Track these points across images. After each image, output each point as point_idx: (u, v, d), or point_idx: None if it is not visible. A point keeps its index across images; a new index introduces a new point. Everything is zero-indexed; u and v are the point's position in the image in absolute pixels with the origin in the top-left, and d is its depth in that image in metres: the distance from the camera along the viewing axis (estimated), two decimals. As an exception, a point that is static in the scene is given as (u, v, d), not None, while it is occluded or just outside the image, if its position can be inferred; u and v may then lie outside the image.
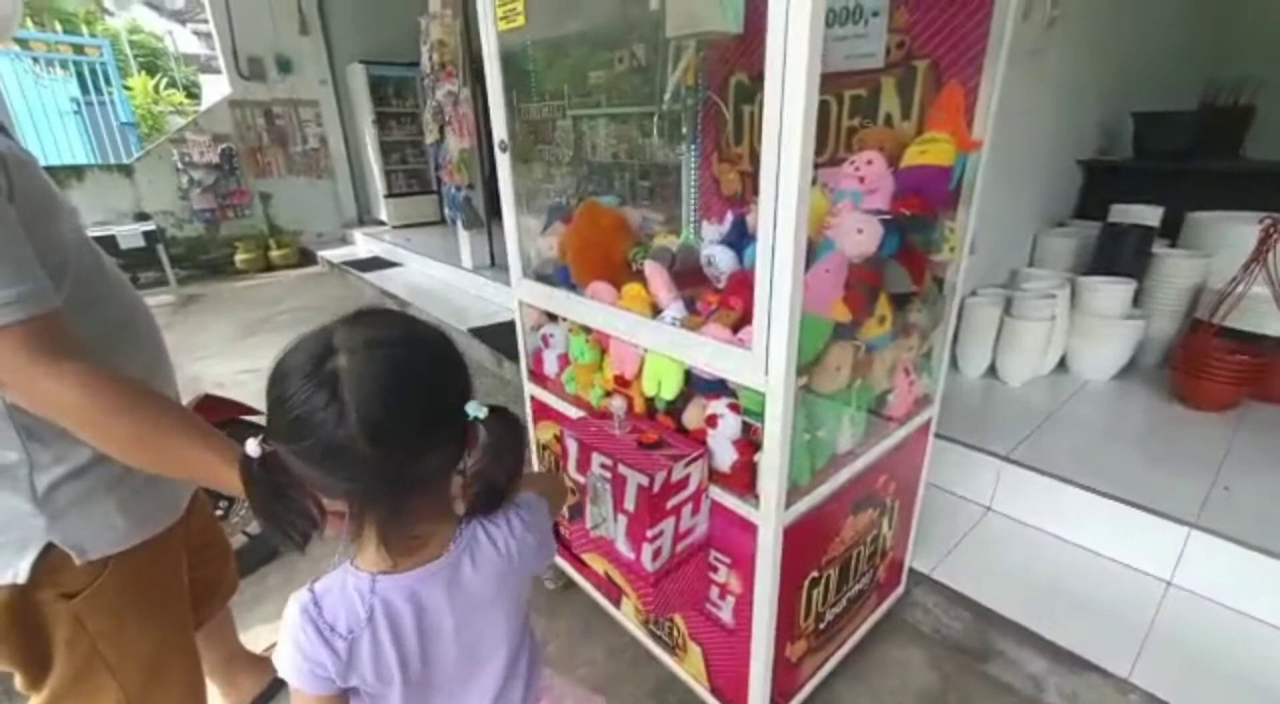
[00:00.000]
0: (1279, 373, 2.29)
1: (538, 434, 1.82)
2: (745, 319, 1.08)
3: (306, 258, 7.42)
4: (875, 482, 1.43)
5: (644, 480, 1.12)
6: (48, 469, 0.86)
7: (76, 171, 6.18)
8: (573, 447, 1.30)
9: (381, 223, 7.75)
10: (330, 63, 7.37)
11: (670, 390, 1.29)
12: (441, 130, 4.78)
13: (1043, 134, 2.75)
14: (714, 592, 1.34)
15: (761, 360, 1.02)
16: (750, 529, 1.17)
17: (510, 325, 1.77)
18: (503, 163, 1.53)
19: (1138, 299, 2.61)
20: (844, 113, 1.55)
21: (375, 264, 6.47)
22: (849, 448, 1.32)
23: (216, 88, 7.35)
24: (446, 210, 5.38)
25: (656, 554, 1.19)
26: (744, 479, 1.19)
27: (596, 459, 1.23)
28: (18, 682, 0.97)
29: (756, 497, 1.15)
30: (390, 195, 7.60)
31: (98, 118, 7.25)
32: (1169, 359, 2.53)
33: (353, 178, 7.96)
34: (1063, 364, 2.69)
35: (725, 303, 1.19)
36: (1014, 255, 2.96)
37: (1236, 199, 2.68)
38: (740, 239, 1.31)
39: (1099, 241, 2.81)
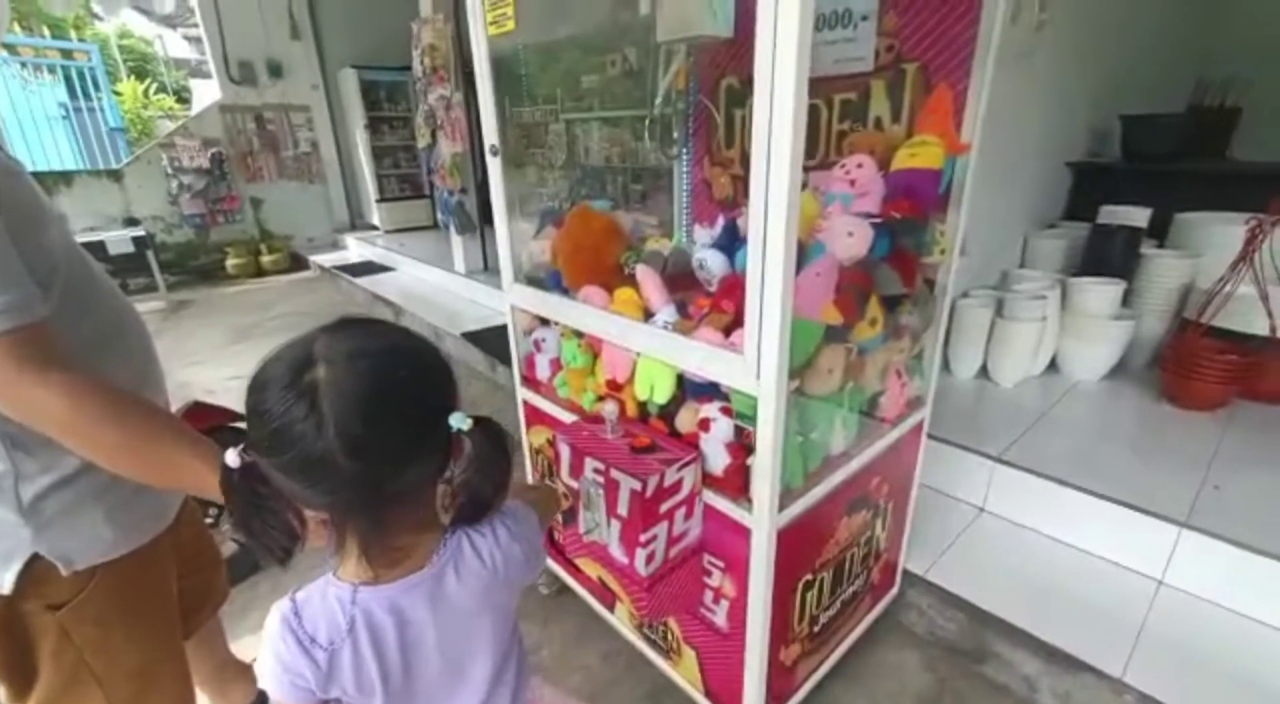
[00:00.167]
0: (1267, 372, 2.31)
1: (530, 439, 1.82)
2: (737, 322, 1.09)
3: (298, 263, 7.39)
4: (868, 484, 1.43)
5: (637, 485, 1.12)
6: (33, 479, 0.85)
7: (65, 177, 6.14)
8: (565, 451, 1.30)
9: (374, 227, 7.73)
10: (321, 67, 7.35)
11: (663, 394, 1.29)
12: (434, 134, 4.78)
13: (1032, 136, 2.76)
14: (708, 596, 1.34)
15: (753, 364, 1.02)
16: (744, 533, 1.17)
17: (504, 330, 1.77)
18: (494, 167, 1.53)
19: (1127, 300, 2.63)
20: (834, 116, 1.56)
21: (367, 269, 6.44)
22: (842, 450, 1.32)
23: (207, 92, 7.31)
24: (439, 215, 5.38)
25: (650, 559, 1.19)
26: (737, 483, 1.19)
27: (589, 464, 1.23)
28: (2, 693, 0.96)
29: (750, 500, 1.15)
30: (382, 200, 7.57)
31: (86, 123, 7.19)
32: (1158, 359, 2.55)
33: (344, 182, 7.93)
34: (1054, 365, 2.70)
35: (717, 306, 1.19)
36: (1005, 257, 2.98)
37: (1223, 200, 2.71)
38: (732, 242, 1.31)
39: (1088, 243, 2.83)
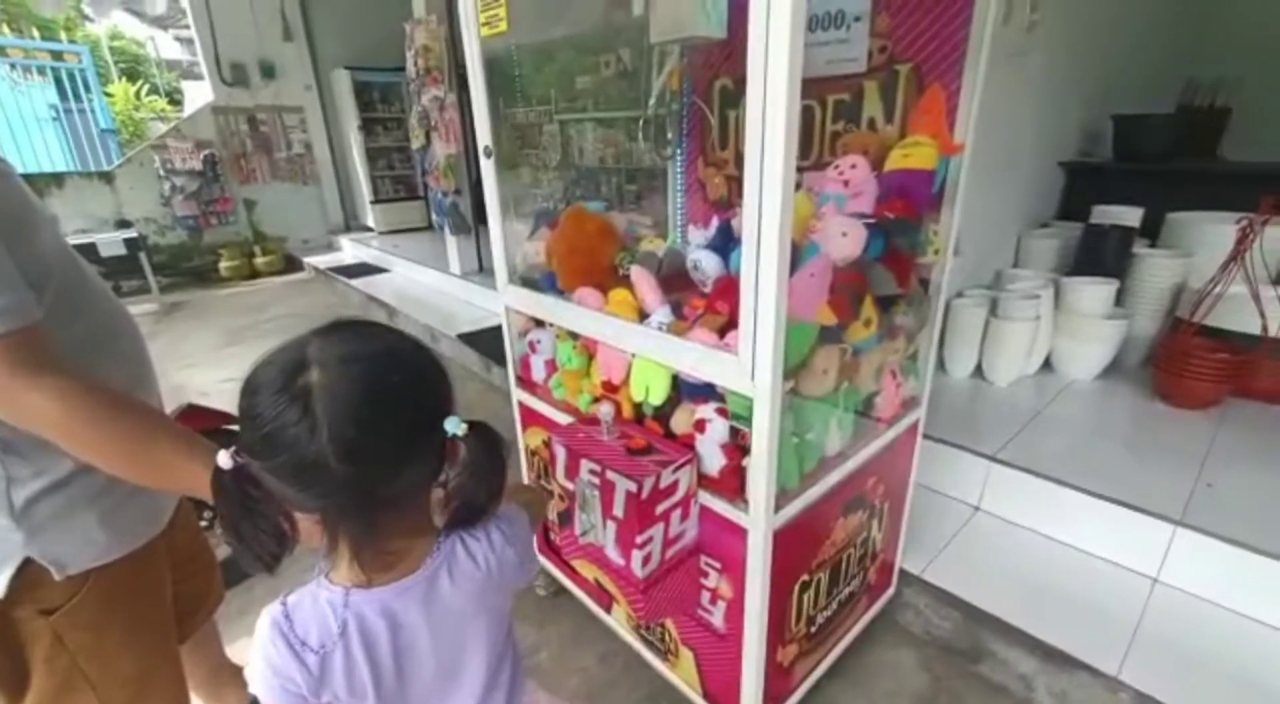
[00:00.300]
0: (1259, 370, 2.33)
1: (526, 440, 1.82)
2: (732, 323, 1.08)
3: (292, 265, 7.36)
4: (864, 484, 1.44)
5: (632, 486, 1.12)
6: (26, 483, 0.84)
7: (56, 179, 6.10)
8: (561, 453, 1.29)
9: (368, 228, 7.70)
10: (315, 68, 7.33)
11: (658, 395, 1.29)
12: (428, 135, 4.77)
13: (1024, 136, 2.78)
14: (705, 597, 1.34)
15: (748, 364, 1.02)
16: (740, 533, 1.17)
17: (499, 331, 1.76)
18: (487, 169, 1.53)
19: (1120, 299, 2.64)
20: (828, 117, 1.56)
21: (362, 270, 6.42)
22: (837, 450, 1.32)
23: (199, 94, 7.28)
24: (434, 216, 5.37)
25: (646, 560, 1.19)
26: (733, 483, 1.19)
27: (585, 465, 1.23)
28: (-5, 700, 0.95)
29: (746, 501, 1.15)
30: (377, 201, 7.55)
31: (77, 125, 7.15)
32: (1151, 358, 2.56)
33: (339, 183, 7.91)
34: (1048, 364, 2.71)
35: (711, 307, 1.19)
36: (998, 256, 2.99)
37: (1214, 199, 2.72)
38: (726, 243, 1.31)
39: (1081, 242, 2.84)
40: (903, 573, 1.82)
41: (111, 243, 5.41)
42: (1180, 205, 2.83)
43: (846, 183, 1.21)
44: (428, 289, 5.49)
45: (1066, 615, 1.63)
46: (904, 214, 1.24)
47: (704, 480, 1.23)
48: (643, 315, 1.30)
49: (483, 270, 5.15)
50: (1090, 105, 3.19)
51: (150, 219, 6.61)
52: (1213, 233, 2.49)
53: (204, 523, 1.94)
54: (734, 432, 1.18)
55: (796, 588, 1.32)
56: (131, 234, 5.69)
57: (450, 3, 4.31)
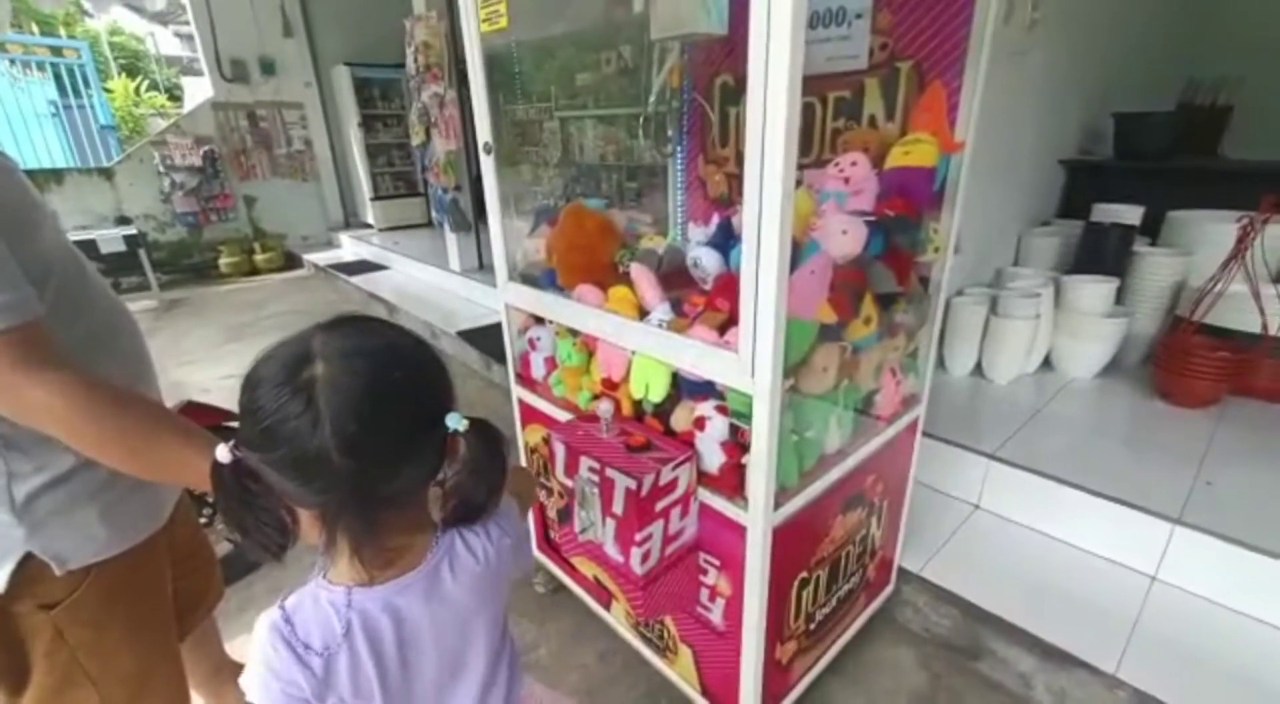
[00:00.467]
0: (1258, 368, 2.33)
1: (525, 437, 1.82)
2: (732, 321, 1.08)
3: (292, 261, 7.36)
4: (863, 481, 1.44)
5: (632, 484, 1.12)
6: (27, 479, 0.84)
7: (55, 175, 6.10)
8: (560, 450, 1.29)
9: (368, 225, 7.70)
10: (315, 65, 7.33)
11: (658, 393, 1.29)
12: (428, 132, 4.77)
13: (1025, 134, 2.77)
14: (704, 594, 1.34)
15: (748, 362, 1.02)
16: (739, 531, 1.17)
17: (499, 328, 1.76)
18: (487, 166, 1.53)
19: (1120, 297, 2.64)
20: (828, 114, 1.56)
21: (362, 267, 6.42)
22: (837, 448, 1.32)
23: (199, 90, 7.27)
24: (434, 213, 5.36)
25: (645, 557, 1.19)
26: (732, 481, 1.19)
27: (584, 462, 1.23)
28: (-5, 696, 0.95)
29: (745, 498, 1.15)
30: (377, 198, 7.55)
31: (77, 121, 7.15)
32: (1151, 356, 2.56)
33: (338, 180, 7.90)
34: (1048, 362, 2.71)
35: (711, 305, 1.19)
36: (999, 255, 2.99)
37: (1214, 198, 2.72)
38: (726, 241, 1.31)
39: (1082, 240, 2.84)
40: (902, 570, 1.82)
41: (111, 239, 5.40)
42: (1181, 204, 2.82)
43: (847, 180, 1.20)
44: (428, 286, 5.49)
45: (1065, 613, 1.64)
46: (904, 212, 1.24)
47: (703, 478, 1.24)
48: (643, 312, 1.29)
49: (483, 267, 5.15)
50: (1091, 103, 3.19)
51: (150, 215, 6.61)
52: (1213, 231, 2.48)
53: (203, 520, 1.95)
54: (733, 429, 1.18)
55: (795, 585, 1.32)
56: (131, 230, 5.69)
57: (450, -1, 4.31)
